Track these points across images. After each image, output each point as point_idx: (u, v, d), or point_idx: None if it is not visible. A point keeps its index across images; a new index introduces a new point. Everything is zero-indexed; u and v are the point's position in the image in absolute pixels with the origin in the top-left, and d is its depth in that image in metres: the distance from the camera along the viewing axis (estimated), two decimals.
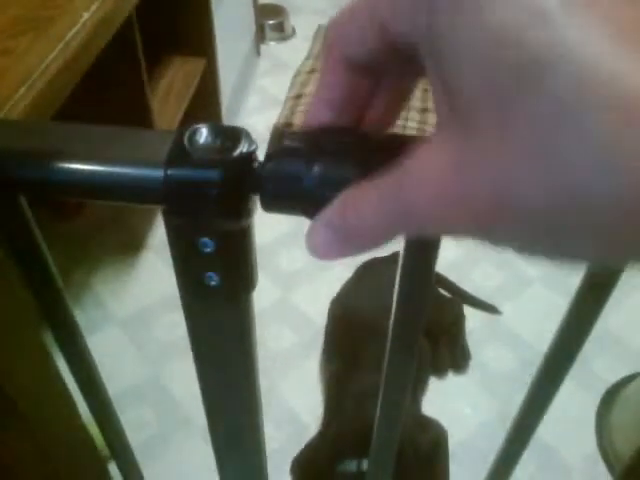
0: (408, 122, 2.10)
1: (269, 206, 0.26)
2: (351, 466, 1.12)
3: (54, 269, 0.31)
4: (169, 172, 0.25)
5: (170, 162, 0.25)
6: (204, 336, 0.33)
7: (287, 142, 0.26)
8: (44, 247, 0.30)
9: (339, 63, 0.24)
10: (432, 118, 2.12)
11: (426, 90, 2.26)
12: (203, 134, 0.25)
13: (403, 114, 2.14)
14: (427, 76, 0.21)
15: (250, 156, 0.26)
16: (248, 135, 0.26)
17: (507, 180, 0.18)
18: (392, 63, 0.24)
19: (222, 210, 0.26)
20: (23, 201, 0.28)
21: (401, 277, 0.34)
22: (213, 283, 0.29)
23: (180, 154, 0.25)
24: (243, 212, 0.27)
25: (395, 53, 0.22)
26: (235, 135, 0.26)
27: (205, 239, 0.27)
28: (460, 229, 0.20)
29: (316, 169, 0.25)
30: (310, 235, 0.24)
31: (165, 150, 0.25)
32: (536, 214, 0.18)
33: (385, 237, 0.23)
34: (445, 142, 0.20)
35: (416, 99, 2.19)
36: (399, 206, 0.21)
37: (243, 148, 0.26)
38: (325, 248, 0.24)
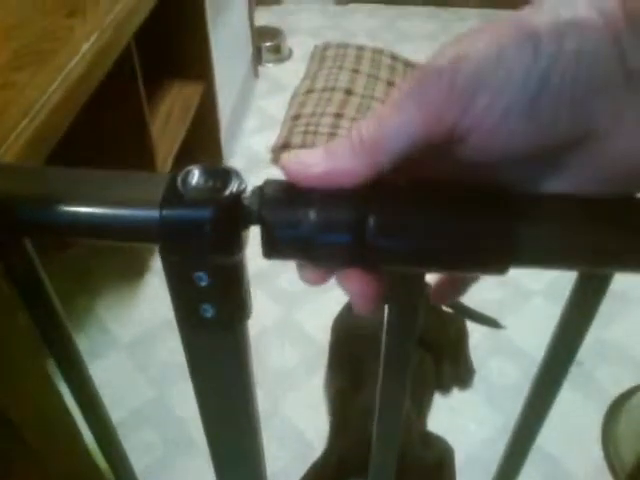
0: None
1: (270, 254, 0.28)
2: None
3: (57, 304, 0.33)
4: (164, 212, 0.27)
5: (165, 203, 0.27)
6: (201, 365, 0.34)
7: (280, 193, 0.27)
8: (48, 284, 0.31)
9: None
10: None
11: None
12: (195, 175, 0.27)
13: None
14: None
15: (239, 194, 0.28)
16: (238, 174, 0.28)
17: None
18: None
19: (215, 246, 0.28)
20: (28, 243, 0.30)
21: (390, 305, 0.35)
22: (208, 315, 0.30)
23: (174, 195, 0.27)
24: (235, 247, 0.28)
25: None
26: (225, 175, 0.27)
27: (200, 273, 0.29)
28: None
29: (312, 214, 0.26)
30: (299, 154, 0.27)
31: (160, 191, 0.27)
32: None
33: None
34: None
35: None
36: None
37: (233, 187, 0.27)
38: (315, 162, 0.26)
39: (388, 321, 0.34)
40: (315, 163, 0.26)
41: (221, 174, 0.27)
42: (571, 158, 0.27)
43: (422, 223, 0.26)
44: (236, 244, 0.28)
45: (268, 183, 0.28)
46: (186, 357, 0.34)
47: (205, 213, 0.26)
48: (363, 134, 0.26)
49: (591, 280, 0.32)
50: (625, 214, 0.27)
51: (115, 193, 0.28)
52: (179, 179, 0.27)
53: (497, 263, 0.27)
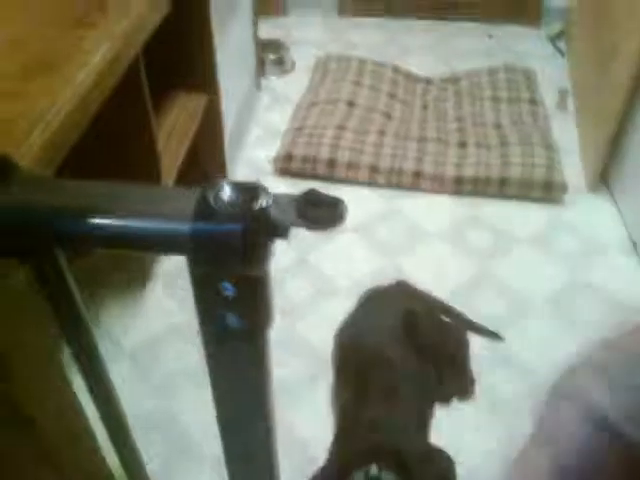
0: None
1: None
2: None
3: (85, 312, 0.33)
4: (196, 226, 0.28)
5: (197, 217, 0.28)
6: (223, 374, 0.35)
7: None
8: (77, 294, 0.32)
9: None
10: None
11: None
12: (227, 191, 0.28)
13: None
14: None
15: (268, 209, 0.29)
16: (265, 190, 0.29)
17: None
18: None
19: (243, 258, 0.29)
20: (60, 253, 0.31)
21: None
22: (234, 325, 0.31)
23: (206, 209, 0.28)
24: (263, 259, 0.29)
25: None
26: (254, 191, 0.29)
27: (227, 284, 0.30)
28: None
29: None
30: None
31: (189, 205, 0.28)
32: None
33: None
34: None
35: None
36: None
37: (262, 202, 0.28)
38: None
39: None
40: None
41: (250, 190, 0.28)
42: None
43: None
44: (263, 255, 0.29)
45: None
46: (208, 366, 0.35)
47: (237, 227, 0.27)
48: None
49: None
50: None
51: (147, 206, 0.29)
52: (211, 194, 0.28)
53: None
